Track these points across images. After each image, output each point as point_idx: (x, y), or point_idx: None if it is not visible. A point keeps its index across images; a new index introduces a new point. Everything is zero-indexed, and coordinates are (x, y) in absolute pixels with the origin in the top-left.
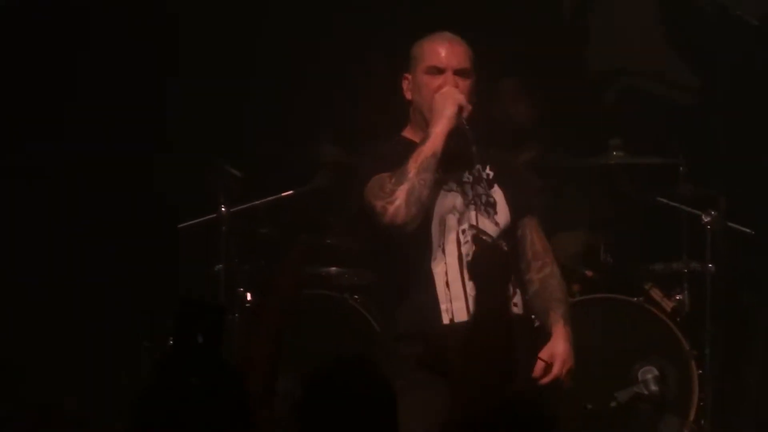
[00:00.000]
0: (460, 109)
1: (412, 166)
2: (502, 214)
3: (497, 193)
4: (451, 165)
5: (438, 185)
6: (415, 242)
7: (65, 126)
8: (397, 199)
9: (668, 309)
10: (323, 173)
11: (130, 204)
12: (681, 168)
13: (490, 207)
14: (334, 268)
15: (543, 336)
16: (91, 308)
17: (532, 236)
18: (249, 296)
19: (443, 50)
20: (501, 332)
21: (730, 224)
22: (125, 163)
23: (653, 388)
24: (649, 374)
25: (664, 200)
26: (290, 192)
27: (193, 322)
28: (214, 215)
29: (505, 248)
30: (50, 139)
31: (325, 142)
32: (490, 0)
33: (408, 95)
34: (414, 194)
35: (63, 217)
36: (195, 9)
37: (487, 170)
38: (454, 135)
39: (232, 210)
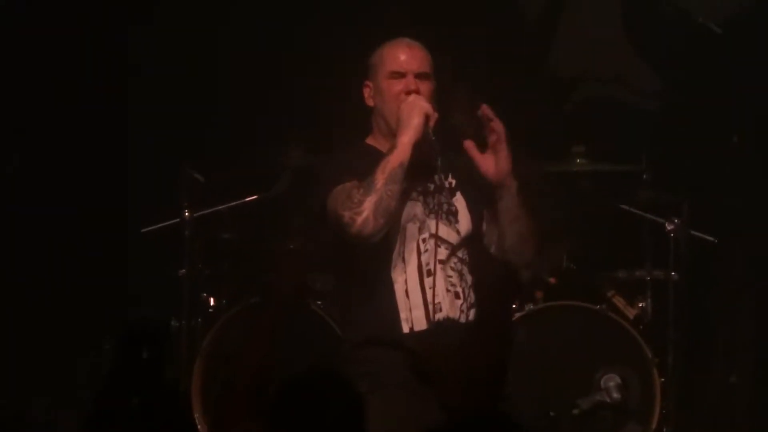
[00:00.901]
0: (427, 117)
1: (380, 177)
2: (464, 222)
3: (459, 201)
4: (415, 174)
5: (402, 195)
6: (375, 250)
7: (27, 128)
8: (364, 210)
9: (631, 316)
10: (287, 177)
11: (94, 208)
12: (644, 175)
13: (451, 215)
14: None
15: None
16: (53, 311)
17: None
18: (212, 301)
19: (403, 54)
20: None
21: (692, 232)
22: (88, 167)
23: (615, 395)
24: (611, 382)
25: (627, 207)
26: (254, 197)
27: (137, 343)
28: (177, 220)
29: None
30: (13, 142)
31: (289, 146)
32: (451, 4)
33: (370, 102)
34: (382, 205)
35: (26, 221)
36: (161, 11)
37: (449, 178)
38: (419, 144)
39: (195, 215)
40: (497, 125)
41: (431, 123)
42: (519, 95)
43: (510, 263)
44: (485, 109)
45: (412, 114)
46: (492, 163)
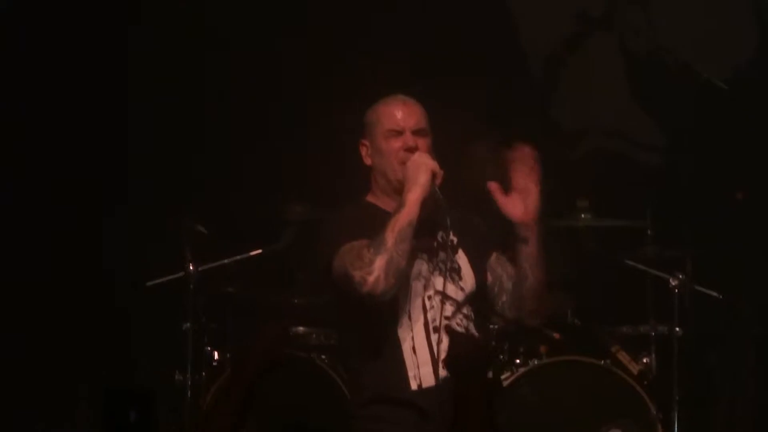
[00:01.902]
0: (433, 175)
1: (390, 236)
2: (467, 278)
3: (461, 259)
4: (420, 231)
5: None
6: (381, 308)
7: (29, 183)
8: (375, 270)
9: (635, 372)
10: (291, 232)
11: (97, 261)
12: (648, 230)
13: (455, 273)
14: (301, 328)
15: (512, 401)
16: (54, 364)
17: (506, 269)
18: (216, 355)
19: (399, 112)
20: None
21: (697, 287)
22: (92, 219)
23: None
24: None
25: (632, 263)
26: (258, 251)
27: (121, 412)
28: (182, 273)
29: (479, 338)
30: (18, 198)
31: (293, 201)
32: (457, 58)
33: (368, 161)
34: (392, 265)
35: (29, 274)
36: (167, 65)
37: (451, 236)
38: (426, 201)
39: (199, 269)
40: (536, 165)
41: (438, 181)
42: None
43: (523, 312)
44: (524, 148)
45: (419, 171)
46: (519, 204)
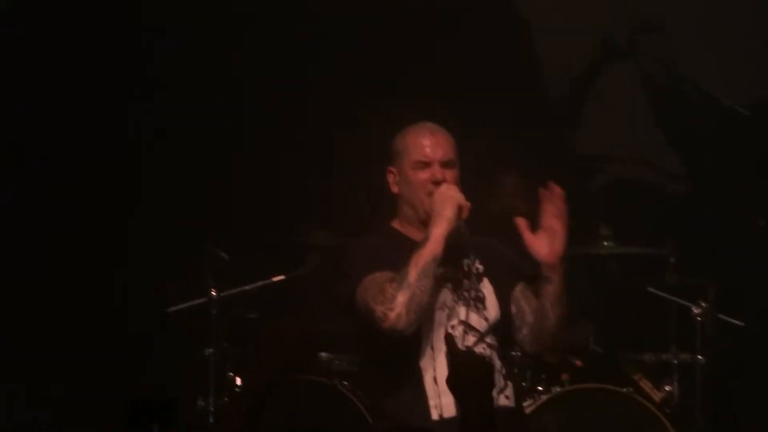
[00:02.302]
0: (460, 209)
1: (413, 271)
2: (492, 308)
3: (486, 288)
4: (444, 261)
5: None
6: (403, 339)
7: (53, 208)
8: (397, 305)
9: (657, 400)
10: (313, 258)
11: (120, 286)
12: (670, 258)
13: (479, 302)
14: (323, 354)
15: (533, 429)
16: (76, 389)
17: (529, 303)
18: (238, 380)
19: (427, 142)
20: None
21: (719, 315)
22: (115, 245)
23: None
24: None
25: (654, 290)
26: (281, 277)
27: (147, 420)
28: (204, 299)
29: (486, 355)
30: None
31: (316, 226)
32: (479, 87)
33: (394, 189)
34: (414, 301)
35: (52, 300)
36: (194, 90)
37: (476, 264)
38: (451, 234)
39: (221, 294)
40: (563, 206)
41: (464, 214)
42: (545, 176)
43: (542, 348)
44: (554, 188)
45: (446, 205)
46: (545, 244)
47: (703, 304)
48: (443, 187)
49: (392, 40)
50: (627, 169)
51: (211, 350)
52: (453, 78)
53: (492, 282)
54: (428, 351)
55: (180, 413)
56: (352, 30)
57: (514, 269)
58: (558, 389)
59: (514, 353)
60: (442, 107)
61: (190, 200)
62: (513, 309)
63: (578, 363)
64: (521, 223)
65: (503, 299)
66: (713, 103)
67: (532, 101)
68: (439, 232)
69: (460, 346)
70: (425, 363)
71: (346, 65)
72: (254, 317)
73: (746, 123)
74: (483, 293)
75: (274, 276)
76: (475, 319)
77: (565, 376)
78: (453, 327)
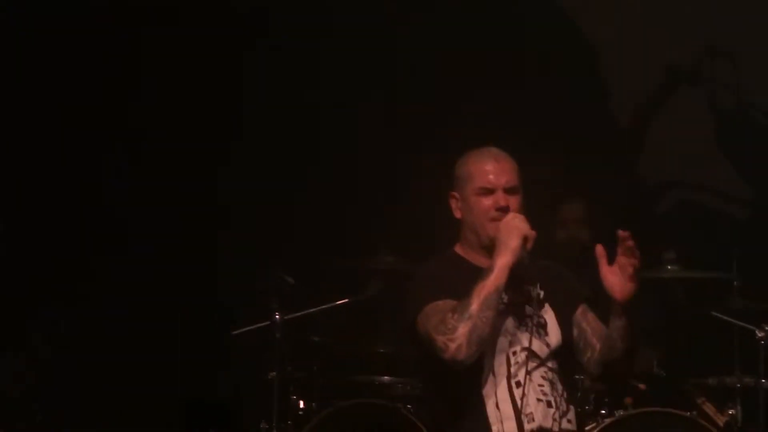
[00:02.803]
0: (525, 239)
1: (476, 302)
2: (553, 334)
3: (548, 313)
4: (508, 292)
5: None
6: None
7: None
8: (459, 337)
9: (721, 424)
10: (377, 281)
11: (185, 309)
12: (735, 282)
13: (541, 328)
14: (386, 377)
15: None
16: (143, 414)
17: (591, 324)
18: (302, 404)
19: (491, 169)
20: None
21: None
22: (181, 268)
23: None
24: None
25: (718, 314)
26: (345, 300)
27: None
28: (268, 322)
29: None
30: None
31: (382, 250)
32: (546, 113)
33: (457, 214)
34: (476, 333)
35: (119, 323)
36: (251, 115)
37: (538, 289)
38: (515, 265)
39: (285, 317)
40: (636, 253)
41: (529, 244)
42: (610, 201)
43: (608, 372)
44: (624, 235)
45: (511, 235)
46: (618, 281)
47: (767, 328)
48: (509, 217)
49: (461, 64)
50: (692, 193)
51: (274, 373)
52: (519, 104)
53: (553, 307)
54: (490, 377)
55: (238, 418)
56: (422, 55)
57: (575, 292)
58: (621, 413)
59: (577, 377)
60: (508, 134)
61: (257, 224)
62: (575, 332)
63: (642, 387)
64: (600, 251)
65: (565, 324)
66: None
67: (600, 127)
68: (503, 262)
69: (521, 371)
70: (487, 389)
71: (413, 90)
72: (318, 340)
73: None
74: (544, 319)
75: (339, 300)
76: (537, 345)
77: (628, 400)
78: (515, 353)
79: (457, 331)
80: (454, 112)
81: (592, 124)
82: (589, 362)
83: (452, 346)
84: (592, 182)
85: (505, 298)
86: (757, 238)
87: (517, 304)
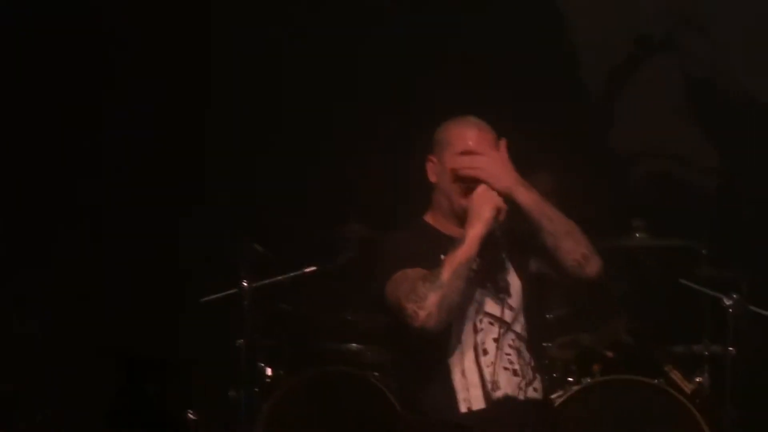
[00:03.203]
0: (497, 211)
1: (447, 272)
2: (516, 297)
3: (511, 275)
4: (478, 263)
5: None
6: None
7: (88, 202)
8: (429, 305)
9: (688, 391)
10: (347, 250)
11: (153, 277)
12: (703, 251)
13: (505, 292)
14: (354, 345)
15: (563, 421)
16: (109, 379)
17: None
18: (269, 371)
19: (472, 136)
20: None
21: (751, 307)
22: (149, 236)
23: None
24: None
25: (686, 282)
26: (313, 268)
27: (139, 378)
28: (237, 290)
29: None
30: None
31: (352, 220)
32: (513, 81)
33: (433, 178)
34: (446, 302)
35: (87, 291)
36: (221, 82)
37: (503, 255)
38: (486, 236)
39: (254, 285)
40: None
41: (501, 217)
42: (580, 171)
43: (577, 263)
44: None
45: (484, 207)
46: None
47: (735, 296)
48: (482, 188)
49: (428, 36)
50: (661, 163)
51: (242, 341)
52: (487, 74)
53: (516, 268)
54: (457, 345)
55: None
56: (390, 28)
57: (522, 235)
58: (589, 380)
59: (545, 345)
60: (477, 105)
61: (225, 192)
62: (533, 266)
63: (610, 354)
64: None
65: (527, 284)
66: (750, 99)
67: (568, 97)
68: (475, 233)
69: (487, 338)
70: (454, 358)
71: (383, 59)
72: (287, 308)
73: None
74: (509, 281)
75: (307, 268)
76: (500, 311)
77: (596, 367)
78: (481, 320)
79: (427, 300)
80: (424, 82)
81: (561, 94)
82: (560, 270)
83: (422, 314)
84: (561, 152)
85: (475, 266)
86: (725, 207)
87: (482, 270)
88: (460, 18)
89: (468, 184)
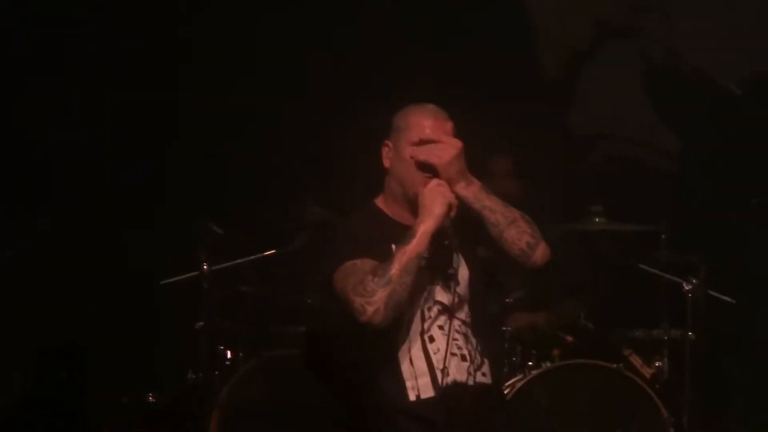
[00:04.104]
0: (449, 207)
1: (396, 267)
2: (464, 284)
3: (460, 264)
4: (428, 258)
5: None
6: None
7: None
8: (377, 301)
9: (647, 376)
10: (306, 233)
11: (114, 259)
12: (662, 235)
13: (452, 280)
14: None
15: (517, 408)
16: (71, 363)
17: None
18: (229, 354)
19: (429, 125)
20: None
21: (710, 292)
22: (110, 219)
23: None
24: None
25: (645, 267)
26: (273, 251)
27: (55, 366)
28: (196, 273)
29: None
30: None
31: (310, 203)
32: (471, 62)
33: (386, 163)
34: (394, 298)
35: (49, 273)
36: (184, 69)
37: (452, 244)
38: (437, 232)
39: (213, 268)
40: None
41: (452, 213)
42: (538, 154)
43: (525, 250)
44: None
45: (435, 202)
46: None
47: (694, 281)
48: (434, 183)
49: (387, 18)
50: (620, 147)
51: (202, 323)
52: (447, 58)
53: (464, 257)
54: (404, 333)
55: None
56: (352, 9)
57: (469, 224)
58: (548, 364)
59: (504, 328)
60: (436, 86)
61: (185, 175)
62: (481, 252)
63: (569, 339)
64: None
65: (476, 273)
66: (708, 82)
67: (528, 79)
68: (425, 229)
69: (434, 325)
70: (402, 346)
71: (343, 44)
72: (246, 291)
73: (740, 101)
74: (455, 269)
75: (267, 251)
76: (447, 298)
77: (555, 352)
78: (429, 308)
79: (375, 295)
80: (381, 65)
81: (521, 76)
82: (511, 256)
83: (369, 309)
84: (521, 135)
85: (424, 262)
86: (685, 191)
87: (436, 263)
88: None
89: (420, 168)
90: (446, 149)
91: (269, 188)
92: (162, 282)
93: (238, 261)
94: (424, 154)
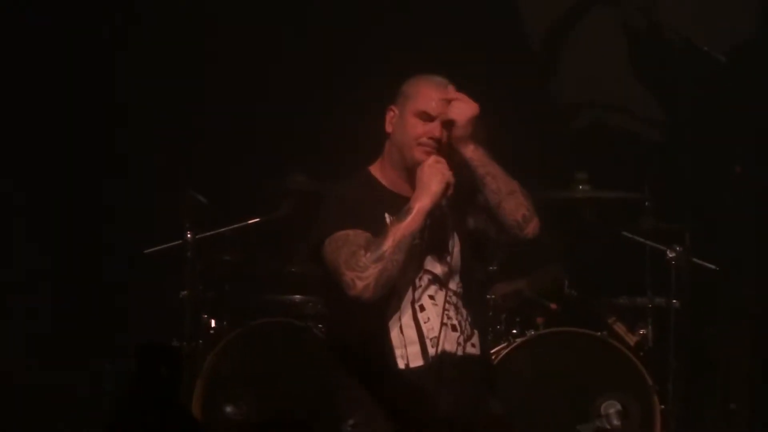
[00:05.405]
0: (447, 185)
1: (389, 244)
2: (456, 254)
3: (451, 234)
4: (422, 237)
5: None
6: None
7: (32, 152)
8: (368, 276)
9: (632, 343)
10: (290, 201)
11: (97, 229)
12: (646, 203)
13: (444, 251)
14: (298, 296)
15: (501, 376)
16: (56, 330)
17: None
18: (213, 323)
19: (436, 97)
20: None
21: (694, 260)
22: (92, 188)
23: (615, 422)
24: (611, 408)
25: (629, 235)
26: (256, 219)
27: (152, 366)
28: (180, 241)
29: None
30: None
31: (294, 170)
32: (455, 29)
33: (389, 128)
34: (385, 275)
35: (34, 242)
36: (169, 29)
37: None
38: (433, 210)
39: (197, 237)
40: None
41: (449, 192)
42: (522, 122)
43: (516, 225)
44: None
45: (433, 180)
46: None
47: (678, 249)
48: (432, 160)
49: None
50: (604, 114)
51: (186, 292)
52: (430, 26)
53: (456, 227)
54: (394, 300)
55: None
56: None
57: (463, 192)
58: (532, 332)
59: (489, 296)
60: (421, 54)
61: (168, 143)
62: (471, 223)
63: (553, 306)
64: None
65: (467, 243)
66: (692, 50)
67: (511, 47)
68: (422, 206)
69: (424, 295)
70: (391, 312)
71: (326, 10)
72: (230, 259)
73: (724, 70)
74: (448, 239)
75: (251, 219)
76: (439, 268)
77: (539, 320)
78: (420, 278)
79: (367, 270)
80: (368, 32)
81: (504, 44)
82: (500, 230)
83: (360, 284)
84: (503, 103)
85: (418, 239)
86: (669, 159)
87: (429, 234)
88: None
89: (427, 120)
90: (467, 108)
91: (254, 156)
92: (145, 251)
93: (222, 230)
94: (441, 104)
